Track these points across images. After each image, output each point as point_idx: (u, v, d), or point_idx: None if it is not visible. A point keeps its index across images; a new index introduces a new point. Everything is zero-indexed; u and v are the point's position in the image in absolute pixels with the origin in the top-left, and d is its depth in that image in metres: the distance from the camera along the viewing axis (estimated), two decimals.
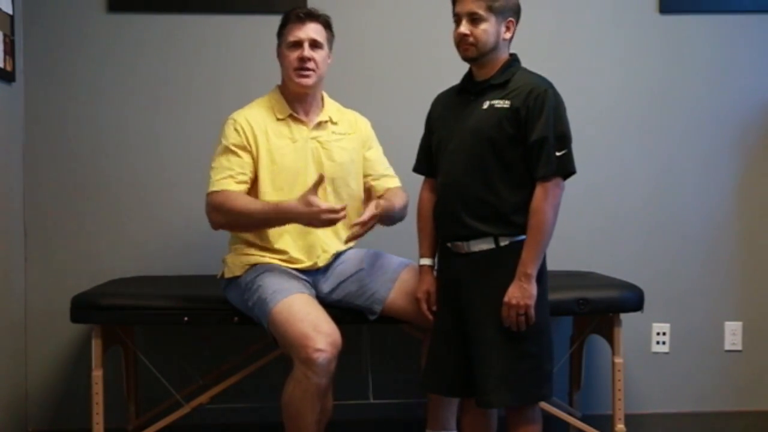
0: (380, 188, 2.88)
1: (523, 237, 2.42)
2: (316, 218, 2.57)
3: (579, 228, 3.43)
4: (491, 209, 2.43)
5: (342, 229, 2.80)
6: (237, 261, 2.76)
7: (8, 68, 3.16)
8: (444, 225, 2.53)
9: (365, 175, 2.88)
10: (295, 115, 2.79)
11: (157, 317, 2.85)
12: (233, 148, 2.72)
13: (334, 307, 2.71)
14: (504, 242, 2.44)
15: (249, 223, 2.69)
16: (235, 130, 2.73)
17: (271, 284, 2.63)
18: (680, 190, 3.52)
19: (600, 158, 3.45)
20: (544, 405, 2.81)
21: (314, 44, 2.73)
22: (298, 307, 2.56)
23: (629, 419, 3.05)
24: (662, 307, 3.47)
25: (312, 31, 2.73)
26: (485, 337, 2.43)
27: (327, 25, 2.78)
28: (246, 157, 2.72)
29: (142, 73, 3.38)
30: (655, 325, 3.51)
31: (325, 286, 2.79)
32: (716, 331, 3.54)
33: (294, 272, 2.74)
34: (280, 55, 2.79)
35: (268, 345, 2.91)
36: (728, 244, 3.53)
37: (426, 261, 2.63)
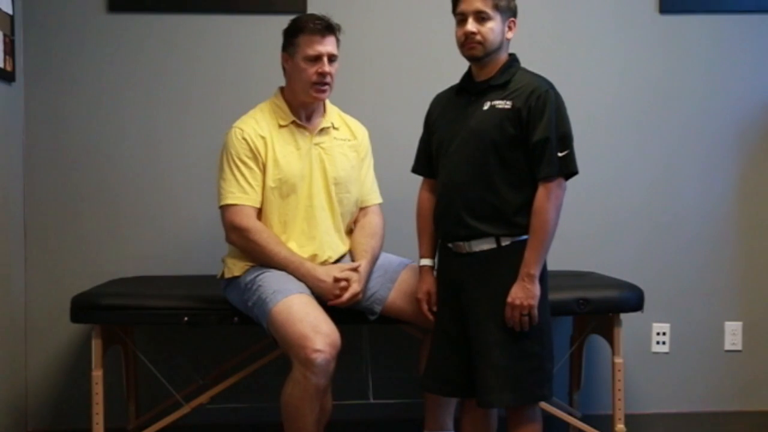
0: (363, 203, 2.89)
1: (524, 237, 2.42)
2: (329, 291, 2.66)
3: (579, 228, 3.42)
4: (493, 210, 2.43)
5: (341, 232, 2.82)
6: (237, 261, 2.76)
7: (8, 68, 3.16)
8: (445, 225, 2.53)
9: None
10: (298, 121, 2.78)
11: (157, 317, 2.85)
12: (245, 159, 2.70)
13: (334, 307, 2.70)
14: (505, 242, 2.44)
15: (265, 260, 2.70)
16: (244, 139, 2.71)
17: (270, 284, 2.63)
18: (680, 190, 3.52)
19: (600, 158, 3.45)
20: (544, 405, 2.81)
21: (331, 58, 2.71)
22: (297, 308, 2.56)
23: (629, 419, 3.05)
24: (662, 307, 3.47)
25: (330, 44, 2.71)
26: (486, 337, 2.43)
27: (339, 34, 2.76)
28: (257, 168, 2.71)
29: (142, 73, 3.38)
30: (655, 325, 3.51)
31: None
32: (716, 331, 3.54)
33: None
34: (292, 65, 2.74)
35: (268, 345, 2.91)
36: (728, 244, 3.53)
37: (426, 261, 2.63)
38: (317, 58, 2.69)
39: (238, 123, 2.77)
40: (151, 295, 2.91)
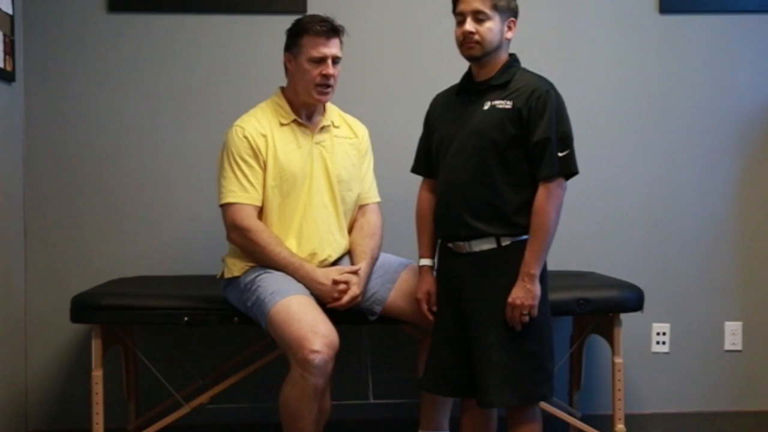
0: (362, 201, 2.89)
1: (524, 237, 2.43)
2: (329, 294, 2.66)
3: (579, 228, 3.42)
4: (493, 210, 2.43)
5: (343, 230, 2.82)
6: (237, 261, 2.76)
7: (8, 68, 3.16)
8: (445, 225, 2.53)
9: None
10: (299, 120, 2.78)
11: (157, 317, 2.85)
12: (246, 157, 2.70)
13: (334, 307, 2.70)
14: (506, 242, 2.44)
15: (265, 261, 2.70)
16: (245, 138, 2.71)
17: (270, 285, 2.63)
18: (680, 190, 3.52)
19: (600, 158, 3.45)
20: (544, 405, 2.81)
21: (335, 60, 2.71)
22: (296, 308, 2.56)
23: (629, 419, 3.06)
24: (662, 307, 3.47)
25: (335, 47, 2.71)
26: (486, 337, 2.43)
27: (342, 35, 2.75)
28: (258, 167, 2.71)
29: (142, 73, 3.38)
30: (655, 325, 3.51)
31: None
32: (716, 331, 3.54)
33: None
34: (296, 66, 2.73)
35: (268, 345, 2.91)
36: (728, 244, 3.53)
37: (426, 261, 2.63)
38: (321, 60, 2.69)
39: (239, 121, 2.77)
40: (151, 295, 2.91)
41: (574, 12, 3.48)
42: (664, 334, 3.52)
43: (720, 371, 3.54)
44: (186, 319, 2.81)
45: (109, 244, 3.38)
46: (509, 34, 2.49)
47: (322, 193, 2.76)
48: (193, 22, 3.39)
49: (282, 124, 2.76)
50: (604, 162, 3.47)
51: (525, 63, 2.55)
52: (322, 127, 2.81)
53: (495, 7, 2.43)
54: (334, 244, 2.79)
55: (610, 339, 2.99)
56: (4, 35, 3.13)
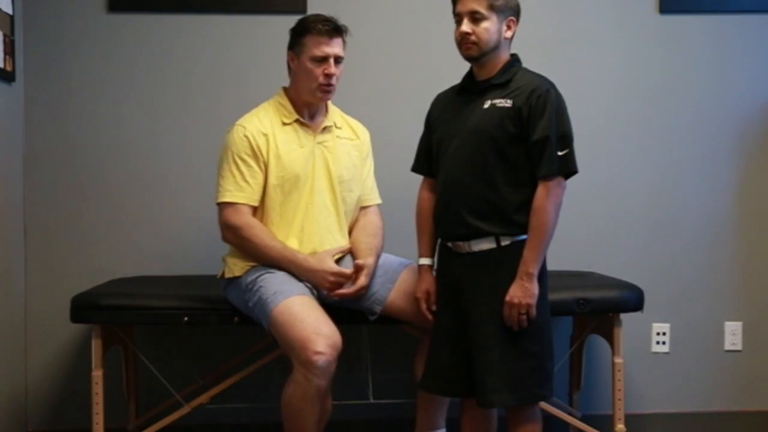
0: (363, 202, 2.90)
1: (524, 237, 2.43)
2: (324, 278, 2.65)
3: (579, 228, 3.42)
4: (493, 208, 2.43)
5: (343, 230, 2.82)
6: (237, 261, 2.76)
7: (8, 68, 3.16)
8: (445, 224, 2.53)
9: None
10: (302, 119, 2.78)
11: (157, 317, 2.85)
12: (245, 157, 2.70)
13: (335, 307, 2.70)
14: (505, 242, 2.44)
15: (259, 255, 2.70)
16: (245, 137, 2.71)
17: (271, 285, 2.63)
18: (680, 190, 3.52)
19: (600, 158, 3.45)
20: (544, 405, 2.81)
21: (337, 59, 2.71)
22: (298, 309, 2.56)
23: (629, 419, 3.05)
24: (662, 307, 3.47)
25: (337, 46, 2.71)
26: (486, 337, 2.43)
27: (345, 36, 2.76)
28: (257, 167, 2.70)
29: (142, 73, 3.38)
30: (655, 325, 3.51)
31: None
32: (716, 331, 3.54)
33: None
34: (299, 65, 2.73)
35: (268, 345, 2.91)
36: (728, 244, 3.53)
37: (425, 261, 2.63)
38: (324, 59, 2.69)
39: (241, 121, 2.77)
40: (151, 295, 2.91)
41: (574, 12, 3.48)
42: (664, 334, 3.52)
43: (720, 371, 3.54)
44: (186, 319, 2.81)
45: (109, 244, 3.38)
46: (508, 34, 2.49)
47: (323, 194, 2.76)
48: (193, 22, 3.39)
49: (284, 124, 2.76)
50: (604, 162, 3.47)
51: (526, 63, 2.56)
52: (325, 128, 2.81)
53: (492, 7, 2.43)
54: (335, 244, 2.79)
55: (610, 339, 2.99)
56: (4, 35, 3.13)
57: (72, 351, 3.37)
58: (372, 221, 2.87)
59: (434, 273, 2.63)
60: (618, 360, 2.96)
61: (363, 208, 2.89)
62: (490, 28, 2.44)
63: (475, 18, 2.43)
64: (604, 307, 2.93)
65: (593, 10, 3.48)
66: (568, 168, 2.43)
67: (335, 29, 2.70)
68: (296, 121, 2.77)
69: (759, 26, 3.51)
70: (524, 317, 2.40)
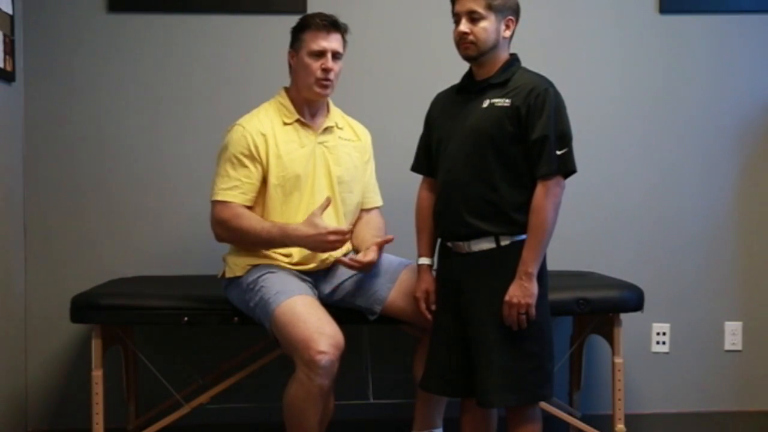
0: (365, 205, 2.90)
1: (523, 236, 2.42)
2: (323, 241, 2.61)
3: (579, 228, 3.43)
4: (492, 208, 2.43)
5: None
6: (238, 260, 2.76)
7: (8, 68, 3.16)
8: (445, 224, 2.53)
9: None
10: (303, 119, 2.78)
11: (157, 317, 2.85)
12: (240, 157, 2.70)
13: (335, 307, 2.70)
14: (505, 242, 2.44)
15: (253, 242, 2.70)
16: (244, 137, 2.71)
17: (273, 285, 2.63)
18: (680, 190, 3.52)
19: (600, 158, 3.45)
20: (544, 405, 2.81)
21: (335, 55, 2.72)
22: (300, 309, 2.56)
23: (629, 419, 3.05)
24: (662, 307, 3.47)
25: (335, 41, 2.72)
26: (486, 337, 2.43)
27: (345, 33, 2.77)
28: (253, 167, 2.70)
29: (142, 73, 3.38)
30: (655, 325, 3.51)
31: (326, 287, 2.79)
32: (716, 331, 3.54)
33: (296, 273, 2.74)
34: (297, 61, 2.75)
35: (268, 345, 2.91)
36: (728, 244, 3.53)
37: (425, 260, 2.63)
38: (321, 54, 2.70)
39: (240, 120, 2.77)
40: (151, 295, 2.91)
41: (574, 12, 3.48)
42: (664, 334, 3.52)
43: (720, 371, 3.54)
44: (186, 319, 2.81)
45: (109, 244, 3.38)
46: (507, 33, 2.49)
47: (324, 194, 2.76)
48: (193, 22, 3.39)
49: (285, 124, 2.77)
50: (604, 162, 3.47)
51: (525, 63, 2.55)
52: (326, 128, 2.81)
53: (489, 7, 2.43)
54: None
55: (610, 339, 2.99)
56: (4, 35, 3.13)
57: (72, 351, 3.37)
58: (374, 219, 2.88)
59: (434, 273, 2.63)
60: (618, 360, 2.96)
61: (365, 210, 2.89)
62: (488, 27, 2.44)
63: (473, 18, 2.43)
64: (604, 307, 2.93)
65: (593, 10, 3.48)
66: (567, 167, 2.43)
67: (333, 24, 2.72)
68: (297, 120, 2.77)
69: (759, 26, 3.51)
70: (524, 317, 2.39)
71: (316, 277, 2.78)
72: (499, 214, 2.43)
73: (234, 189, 2.70)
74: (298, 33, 2.75)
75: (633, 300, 2.96)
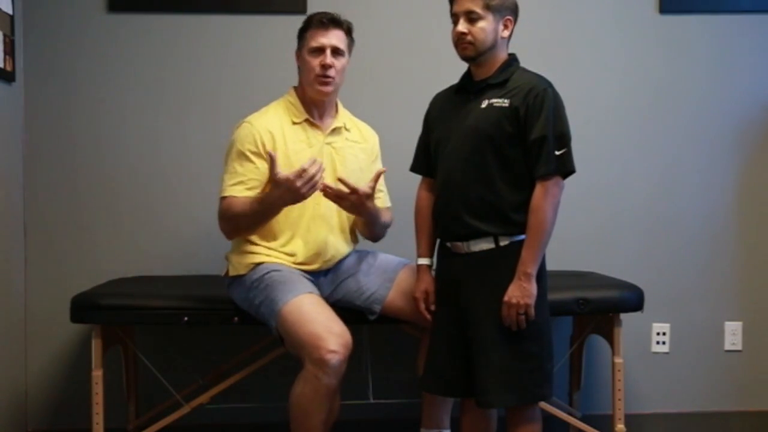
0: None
1: (522, 237, 2.42)
2: (293, 189, 2.51)
3: (579, 228, 3.43)
4: (491, 208, 2.43)
5: (345, 233, 2.82)
6: (242, 259, 2.75)
7: (8, 68, 3.16)
8: (444, 224, 2.53)
9: None
10: (311, 119, 2.78)
11: (157, 317, 2.85)
12: (246, 152, 2.69)
13: (334, 307, 2.70)
14: (504, 242, 2.44)
15: (248, 223, 2.69)
16: (251, 133, 2.70)
17: (279, 283, 2.62)
18: (680, 190, 3.52)
19: (600, 158, 3.45)
20: (544, 405, 2.81)
21: (336, 51, 2.72)
22: (308, 308, 2.56)
23: (629, 419, 3.06)
24: (662, 307, 3.47)
25: (335, 38, 2.72)
26: (485, 337, 2.43)
27: (349, 31, 2.77)
28: (259, 163, 2.69)
29: (142, 73, 3.38)
30: (655, 325, 3.51)
31: (327, 287, 2.79)
32: (716, 331, 3.54)
33: (299, 272, 2.73)
34: (300, 59, 2.77)
35: (268, 345, 2.91)
36: (728, 244, 3.53)
37: (424, 260, 2.63)
38: (320, 50, 2.70)
39: (249, 117, 2.77)
40: (151, 295, 2.91)
41: (574, 12, 3.48)
42: (664, 334, 3.52)
43: (720, 371, 3.54)
44: (186, 319, 2.81)
45: (110, 244, 3.38)
46: (505, 33, 2.49)
47: None
48: (193, 22, 3.39)
49: (294, 123, 2.77)
50: (604, 162, 3.47)
51: (525, 63, 2.56)
52: (334, 129, 2.81)
53: (487, 7, 2.43)
54: (338, 245, 2.80)
55: (610, 339, 2.99)
56: (4, 35, 3.13)
57: (72, 351, 3.37)
58: (384, 210, 2.88)
59: (433, 273, 2.63)
60: (618, 360, 2.96)
61: None
62: (486, 27, 2.44)
63: (471, 18, 2.43)
64: (604, 307, 2.93)
65: (593, 10, 3.48)
66: (565, 167, 2.43)
67: (332, 21, 2.72)
68: (306, 120, 2.77)
69: (759, 26, 3.51)
70: (523, 317, 2.39)
71: (317, 277, 2.78)
72: (498, 214, 2.43)
73: (239, 184, 2.69)
74: (301, 32, 2.77)
75: (633, 300, 2.96)
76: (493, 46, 2.47)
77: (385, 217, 2.85)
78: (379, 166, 2.92)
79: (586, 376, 3.36)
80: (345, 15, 2.80)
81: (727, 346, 3.54)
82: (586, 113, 3.34)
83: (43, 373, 3.37)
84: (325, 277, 2.81)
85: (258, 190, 2.70)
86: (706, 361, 3.53)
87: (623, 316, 2.97)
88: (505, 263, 2.42)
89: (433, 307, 2.59)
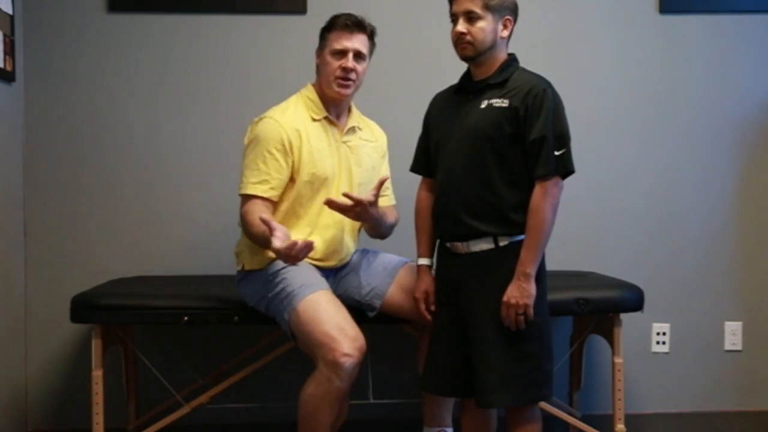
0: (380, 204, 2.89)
1: (522, 237, 2.42)
2: (287, 255, 2.43)
3: (579, 228, 3.43)
4: (491, 208, 2.43)
5: (354, 232, 2.83)
6: (257, 254, 2.71)
7: (8, 68, 3.16)
8: (443, 225, 2.54)
9: None
10: (330, 117, 2.78)
11: (157, 317, 2.85)
12: (273, 151, 2.67)
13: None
14: (503, 242, 2.44)
15: (252, 238, 2.66)
16: (278, 131, 2.68)
17: (296, 278, 2.61)
18: (680, 190, 3.52)
19: (600, 158, 3.45)
20: (544, 405, 2.81)
21: (358, 55, 2.72)
22: (324, 307, 2.55)
23: (629, 419, 3.06)
24: (662, 307, 3.47)
25: (358, 42, 2.72)
26: (485, 338, 2.43)
27: (372, 36, 2.77)
28: (284, 162, 2.67)
29: (142, 73, 3.38)
30: (655, 325, 3.51)
31: (332, 282, 2.79)
32: (716, 331, 3.54)
33: (315, 268, 2.73)
34: (321, 59, 2.76)
35: (268, 345, 2.91)
36: (728, 244, 3.53)
37: (424, 261, 2.63)
38: (342, 53, 2.70)
39: (272, 113, 2.74)
40: (151, 295, 2.91)
41: (574, 12, 3.48)
42: (664, 334, 3.52)
43: (720, 371, 3.54)
44: (186, 319, 2.81)
45: (110, 244, 3.38)
46: (505, 33, 2.49)
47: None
48: (193, 22, 3.39)
49: (314, 120, 2.76)
50: (604, 162, 3.47)
51: (525, 63, 2.55)
52: (350, 128, 2.82)
53: (486, 7, 2.43)
54: (350, 244, 2.81)
55: (610, 339, 2.99)
56: (4, 35, 3.13)
57: (72, 351, 3.37)
58: (390, 209, 2.87)
59: (433, 273, 2.63)
60: (618, 360, 2.96)
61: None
62: (485, 27, 2.44)
63: (471, 18, 2.43)
64: (604, 307, 2.93)
65: (593, 10, 3.48)
66: (565, 168, 2.42)
67: (357, 24, 2.72)
68: (325, 118, 2.77)
69: (759, 26, 3.51)
70: (522, 317, 2.39)
71: (327, 274, 2.78)
72: (497, 214, 2.43)
73: (263, 183, 2.67)
74: (324, 32, 2.76)
75: (633, 300, 2.96)
76: (493, 46, 2.46)
77: (391, 217, 2.84)
78: (386, 164, 2.93)
79: (586, 376, 3.37)
80: None
81: (727, 346, 3.54)
82: (586, 113, 3.34)
83: (43, 373, 3.37)
84: (334, 273, 2.82)
85: (280, 190, 2.69)
86: (706, 361, 3.53)
87: (623, 316, 2.97)
88: (504, 263, 2.42)
89: (433, 308, 2.59)
